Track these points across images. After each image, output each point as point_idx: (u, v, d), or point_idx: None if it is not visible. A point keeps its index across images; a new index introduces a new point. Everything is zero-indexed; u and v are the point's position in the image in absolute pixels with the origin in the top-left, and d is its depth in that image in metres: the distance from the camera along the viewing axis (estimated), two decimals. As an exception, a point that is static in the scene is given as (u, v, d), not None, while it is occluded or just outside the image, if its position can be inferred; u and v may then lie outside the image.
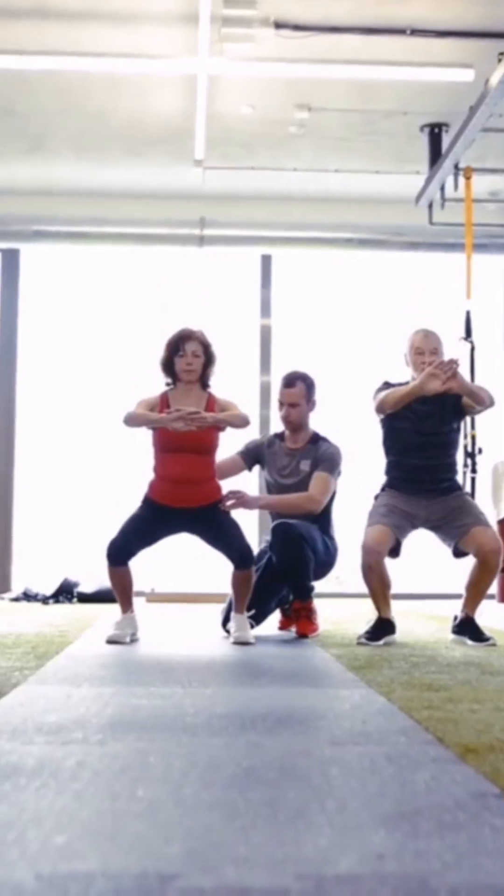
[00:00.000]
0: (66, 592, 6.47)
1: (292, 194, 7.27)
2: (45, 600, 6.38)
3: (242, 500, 4.08)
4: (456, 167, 6.10)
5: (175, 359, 3.99)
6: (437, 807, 1.47)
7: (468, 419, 4.82)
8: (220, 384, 4.17)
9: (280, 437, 4.47)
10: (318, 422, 4.51)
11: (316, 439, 4.39)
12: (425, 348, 4.14)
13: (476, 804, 1.49)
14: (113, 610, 4.12)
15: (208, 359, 4.02)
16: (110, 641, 3.74)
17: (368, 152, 6.60)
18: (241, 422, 3.99)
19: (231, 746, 1.88)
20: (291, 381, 4.39)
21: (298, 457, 4.34)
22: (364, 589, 4.11)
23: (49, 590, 6.52)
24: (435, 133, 6.33)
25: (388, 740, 1.96)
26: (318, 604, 4.32)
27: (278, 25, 5.14)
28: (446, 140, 6.20)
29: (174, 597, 6.41)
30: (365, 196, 7.25)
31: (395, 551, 4.08)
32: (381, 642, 3.86)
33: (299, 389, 4.37)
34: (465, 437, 5.00)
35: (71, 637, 3.98)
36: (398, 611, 4.10)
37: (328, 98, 5.87)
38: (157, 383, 4.10)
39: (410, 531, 4.13)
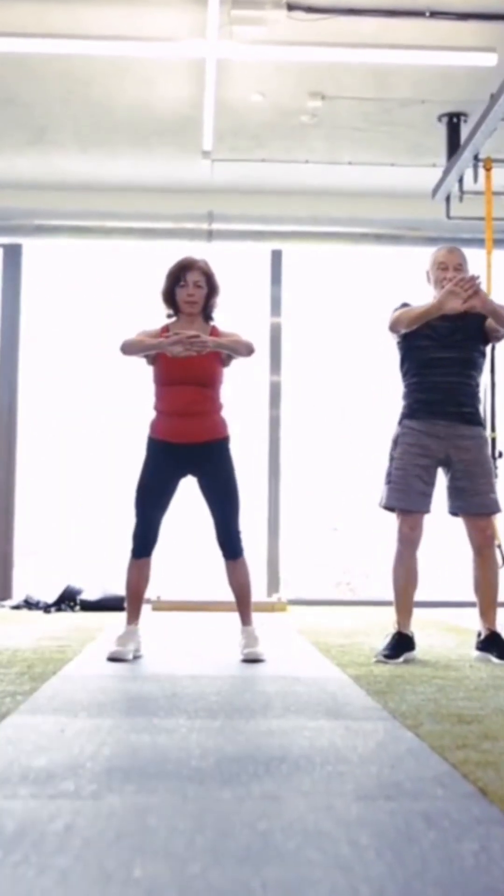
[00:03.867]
0: (68, 600, 6.23)
1: (304, 187, 7.00)
2: (46, 608, 6.13)
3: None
4: (476, 158, 5.84)
5: (176, 289, 3.76)
6: (492, 893, 1.23)
7: (488, 405, 4.56)
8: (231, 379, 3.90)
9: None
10: (329, 425, 4.25)
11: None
12: (449, 263, 3.84)
13: (540, 890, 1.24)
14: (116, 620, 3.88)
15: (211, 289, 3.78)
16: (112, 659, 3.51)
17: (384, 143, 6.34)
18: (245, 349, 3.74)
19: (244, 801, 1.64)
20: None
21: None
22: (376, 596, 3.86)
23: (51, 597, 6.28)
24: (453, 123, 6.05)
25: (424, 793, 1.71)
26: (329, 612, 4.06)
27: (291, 7, 4.88)
28: (465, 130, 5.94)
29: (180, 605, 6.17)
30: (380, 189, 6.98)
31: None
32: (401, 660, 3.63)
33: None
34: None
35: (70, 653, 3.74)
36: (415, 620, 3.85)
37: (342, 85, 5.61)
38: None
39: (436, 476, 3.84)
